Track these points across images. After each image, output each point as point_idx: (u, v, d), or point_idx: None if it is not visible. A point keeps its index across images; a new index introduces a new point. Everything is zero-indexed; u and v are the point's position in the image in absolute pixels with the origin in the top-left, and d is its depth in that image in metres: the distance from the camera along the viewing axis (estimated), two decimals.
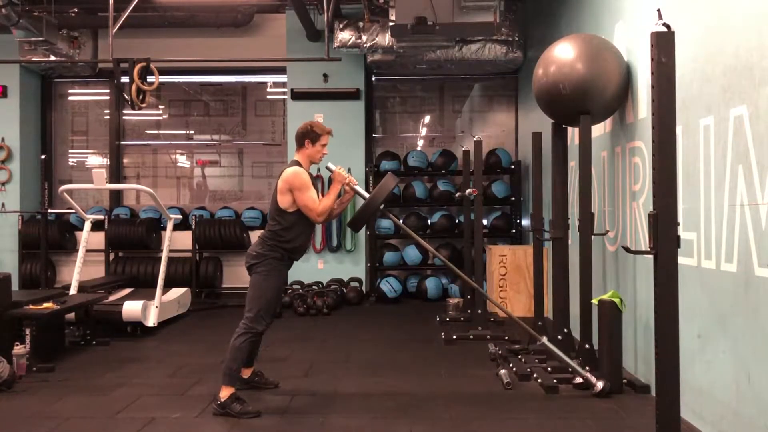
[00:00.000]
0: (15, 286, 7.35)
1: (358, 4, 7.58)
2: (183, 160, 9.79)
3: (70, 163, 9.82)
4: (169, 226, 6.83)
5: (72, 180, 9.56)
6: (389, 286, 8.22)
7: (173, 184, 9.72)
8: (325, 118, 8.70)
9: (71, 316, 5.74)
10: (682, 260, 3.11)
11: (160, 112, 9.81)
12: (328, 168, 4.18)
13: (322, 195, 4.09)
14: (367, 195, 4.09)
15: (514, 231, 8.68)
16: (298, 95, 8.75)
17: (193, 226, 8.51)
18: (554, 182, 4.93)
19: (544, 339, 4.37)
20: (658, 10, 2.81)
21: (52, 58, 8.35)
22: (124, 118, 9.67)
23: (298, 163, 4.05)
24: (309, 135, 4.06)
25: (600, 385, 4.07)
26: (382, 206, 4.05)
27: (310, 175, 4.09)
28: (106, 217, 8.49)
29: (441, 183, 8.67)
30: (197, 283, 8.43)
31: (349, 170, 8.59)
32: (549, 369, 4.53)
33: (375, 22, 7.68)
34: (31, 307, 5.02)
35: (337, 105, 8.72)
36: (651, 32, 2.74)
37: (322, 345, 5.84)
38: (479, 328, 5.97)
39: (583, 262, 4.45)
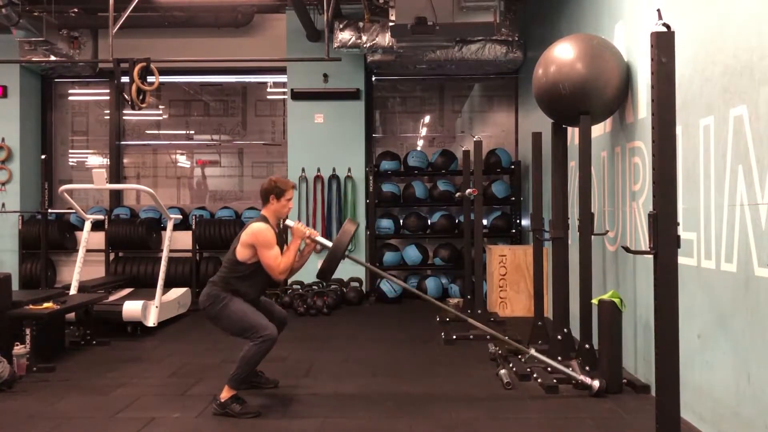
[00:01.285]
0: (15, 286, 7.34)
1: (358, 4, 7.58)
2: (183, 160, 9.79)
3: (70, 163, 9.82)
4: (169, 226, 6.83)
5: (72, 180, 9.56)
6: (389, 286, 8.22)
7: (173, 184, 9.72)
8: (325, 118, 8.73)
9: (71, 316, 5.74)
10: (682, 260, 3.11)
11: (160, 112, 9.81)
12: (286, 225, 4.22)
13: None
14: (329, 244, 4.13)
15: (514, 231, 8.68)
16: (298, 95, 8.75)
17: (193, 226, 8.51)
18: (554, 182, 4.93)
19: (532, 350, 4.37)
20: (658, 10, 2.81)
21: (52, 58, 8.34)
22: (124, 118, 9.68)
23: (265, 219, 4.09)
24: (273, 191, 4.11)
25: (596, 384, 4.07)
26: (347, 252, 4.09)
27: (279, 229, 4.13)
28: (106, 217, 8.49)
29: (441, 183, 8.68)
30: (197, 283, 8.42)
31: (349, 171, 8.60)
32: (549, 369, 4.52)
33: (375, 22, 7.68)
34: (31, 307, 5.02)
35: (337, 105, 8.73)
36: (651, 32, 2.75)
37: (322, 345, 5.84)
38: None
39: (583, 262, 4.46)
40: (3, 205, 8.91)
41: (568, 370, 4.22)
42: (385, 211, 8.89)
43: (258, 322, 3.90)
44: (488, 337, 5.76)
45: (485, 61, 8.05)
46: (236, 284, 4.01)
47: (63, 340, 5.60)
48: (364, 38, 7.77)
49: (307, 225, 8.66)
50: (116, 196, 9.46)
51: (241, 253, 4.02)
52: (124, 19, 6.96)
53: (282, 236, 4.22)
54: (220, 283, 4.04)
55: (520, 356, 4.95)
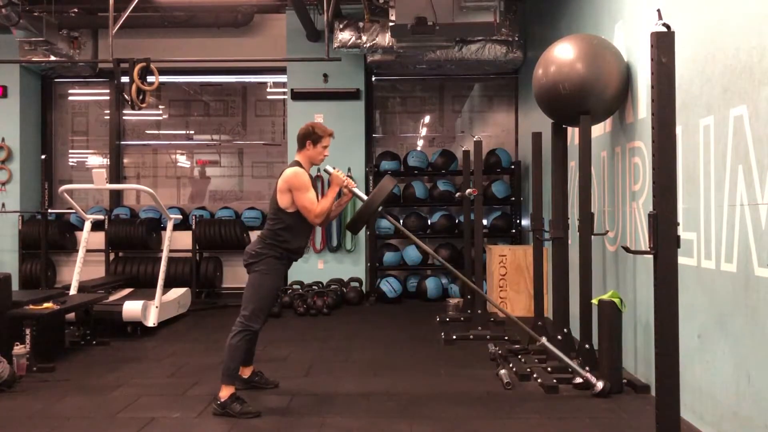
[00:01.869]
0: (15, 286, 7.35)
1: (358, 4, 7.58)
2: (183, 160, 9.79)
3: (70, 163, 9.82)
4: (169, 226, 6.83)
5: (72, 180, 9.55)
6: (389, 286, 8.22)
7: (173, 184, 9.72)
8: (325, 118, 8.71)
9: (71, 316, 5.74)
10: (682, 260, 3.11)
11: (160, 112, 9.81)
12: (326, 170, 4.20)
13: (323, 195, 4.09)
14: (365, 197, 4.11)
15: (514, 231, 8.68)
16: (298, 95, 8.75)
17: (193, 226, 8.51)
18: (554, 182, 4.93)
19: (544, 339, 4.38)
20: (658, 10, 2.81)
21: (52, 58, 8.34)
22: (124, 118, 9.68)
23: (298, 164, 4.05)
24: (311, 136, 4.06)
25: (600, 385, 4.07)
26: (380, 208, 4.06)
27: (311, 176, 4.10)
28: (106, 217, 8.49)
29: (441, 183, 8.68)
30: (197, 283, 8.44)
31: (348, 171, 8.61)
32: (549, 369, 4.53)
33: (375, 22, 7.68)
34: (31, 307, 5.02)
35: (337, 105, 8.73)
36: (651, 32, 2.74)
37: (322, 345, 5.84)
38: (479, 328, 5.97)
39: (583, 262, 4.46)
40: (3, 205, 8.91)
41: (575, 365, 4.22)
42: (385, 211, 8.86)
43: (260, 309, 3.94)
44: (488, 337, 5.79)
45: (485, 61, 8.04)
46: (284, 235, 3.98)
47: (63, 340, 5.60)
48: (364, 38, 7.77)
49: None
50: (116, 196, 9.46)
51: (282, 199, 3.97)
52: (124, 19, 6.96)
53: (315, 184, 4.17)
54: (269, 236, 4.00)
55: (520, 356, 4.96)
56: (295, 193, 3.94)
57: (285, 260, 4.06)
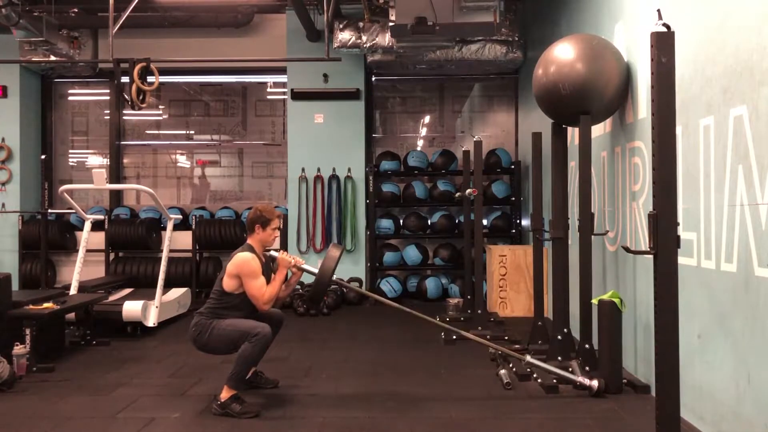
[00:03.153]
0: (15, 286, 7.35)
1: (358, 4, 7.58)
2: (183, 160, 9.79)
3: (70, 163, 9.82)
4: (169, 226, 6.83)
5: (72, 180, 9.56)
6: (389, 286, 8.22)
7: (173, 184, 9.72)
8: (325, 118, 8.73)
9: (71, 316, 5.74)
10: (682, 260, 3.11)
11: (160, 112, 9.81)
12: (270, 256, 4.20)
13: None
14: (315, 271, 4.11)
15: (514, 231, 8.68)
16: (298, 95, 8.75)
17: (193, 226, 8.51)
18: (554, 182, 4.93)
19: (528, 357, 4.36)
20: (658, 11, 2.81)
21: (52, 58, 8.35)
22: (124, 118, 9.68)
23: (251, 248, 4.08)
24: (259, 220, 4.09)
25: (595, 384, 4.07)
26: (333, 277, 4.07)
27: (264, 257, 4.12)
28: (106, 217, 8.49)
29: (441, 183, 8.67)
30: (197, 283, 8.43)
31: (348, 171, 8.61)
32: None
33: (375, 22, 7.68)
34: (31, 307, 5.02)
35: (337, 105, 8.73)
36: (651, 32, 2.74)
37: (322, 345, 5.84)
38: (479, 328, 5.96)
39: (583, 262, 4.46)
40: (3, 205, 8.91)
41: (566, 373, 4.22)
42: (385, 211, 8.89)
43: (247, 327, 3.90)
44: (488, 337, 5.78)
45: (485, 61, 8.05)
46: (224, 314, 4.01)
47: (63, 340, 5.60)
48: (364, 38, 7.77)
49: (307, 226, 8.70)
50: (116, 196, 9.46)
51: (228, 283, 4.01)
52: (124, 19, 6.96)
53: (269, 265, 4.19)
54: (208, 314, 4.04)
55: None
56: (244, 279, 3.96)
57: None
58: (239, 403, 3.83)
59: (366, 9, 7.43)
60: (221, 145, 9.70)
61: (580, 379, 4.14)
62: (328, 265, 4.01)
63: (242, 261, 3.99)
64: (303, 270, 4.19)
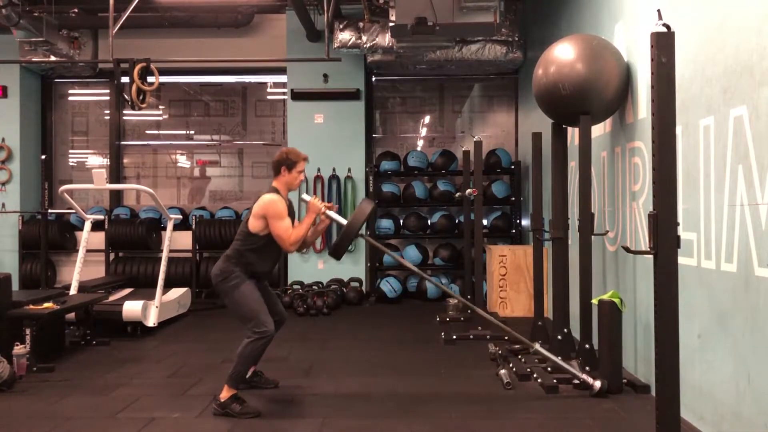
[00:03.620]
0: (15, 286, 7.34)
1: (358, 5, 7.58)
2: (183, 160, 9.79)
3: (70, 163, 9.82)
4: (169, 226, 6.83)
5: (72, 180, 9.56)
6: (389, 286, 8.22)
7: (173, 184, 9.72)
8: (325, 119, 8.72)
9: (71, 316, 5.74)
10: (682, 260, 3.11)
11: (160, 112, 9.81)
12: (302, 199, 4.20)
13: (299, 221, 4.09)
14: (344, 221, 4.08)
15: (514, 231, 8.68)
16: (298, 95, 8.75)
17: (193, 226, 8.51)
18: (554, 182, 4.93)
19: (537, 345, 4.36)
20: (658, 11, 2.81)
21: (53, 58, 8.35)
22: (124, 118, 9.68)
23: (276, 190, 4.07)
24: (285, 162, 4.08)
25: (597, 384, 4.07)
26: (360, 231, 4.05)
27: (290, 201, 4.12)
28: (107, 217, 8.49)
29: (441, 183, 8.67)
30: (197, 283, 8.43)
31: (348, 171, 8.61)
32: (549, 369, 4.52)
33: (375, 22, 7.68)
34: (31, 307, 5.02)
35: (337, 105, 8.73)
36: (651, 32, 2.75)
37: (322, 345, 5.84)
38: (479, 328, 5.96)
39: (583, 262, 4.46)
40: (3, 205, 8.91)
41: (571, 368, 4.22)
42: (385, 211, 8.89)
43: (260, 314, 3.90)
44: (488, 337, 5.79)
45: (485, 61, 8.05)
46: (249, 257, 3.99)
47: (63, 340, 5.60)
48: (364, 38, 7.77)
49: None
50: (116, 196, 9.46)
51: (253, 224, 3.98)
52: (124, 19, 6.97)
53: (292, 208, 4.18)
54: (234, 256, 4.01)
55: (520, 356, 4.96)
56: (270, 220, 3.95)
57: (249, 277, 4.03)
58: (239, 403, 3.83)
59: (366, 9, 7.43)
60: (221, 145, 9.70)
61: (584, 376, 4.14)
62: (357, 218, 3.99)
63: (268, 202, 3.96)
64: (331, 218, 4.14)
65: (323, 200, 8.25)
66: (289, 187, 4.13)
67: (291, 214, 4.12)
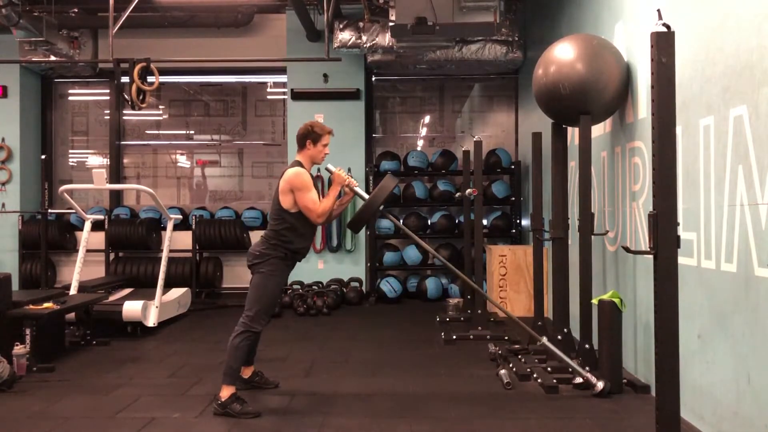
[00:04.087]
0: (15, 286, 7.34)
1: (358, 4, 7.58)
2: (183, 160, 9.79)
3: (70, 163, 9.82)
4: (169, 226, 6.83)
5: (72, 180, 9.56)
6: (389, 286, 8.22)
7: (173, 184, 9.72)
8: (325, 118, 8.70)
9: (71, 316, 5.74)
10: (682, 260, 3.11)
11: (160, 112, 9.81)
12: (327, 169, 4.20)
13: (323, 196, 4.09)
14: (366, 196, 4.09)
15: (514, 231, 8.68)
16: (298, 95, 8.75)
17: (193, 226, 8.51)
18: (554, 182, 4.93)
19: (544, 339, 4.37)
20: (658, 10, 2.81)
21: (52, 58, 8.35)
22: (124, 118, 9.68)
23: (299, 164, 4.04)
24: (310, 135, 4.05)
25: (600, 385, 4.07)
26: (381, 207, 4.06)
27: (312, 176, 4.09)
28: (106, 217, 8.48)
29: (441, 183, 8.68)
30: (197, 283, 8.43)
31: (349, 170, 8.61)
32: (549, 369, 4.53)
33: (375, 22, 7.68)
34: (31, 307, 5.02)
35: (337, 105, 8.73)
36: (651, 32, 2.74)
37: (322, 345, 5.84)
38: (479, 328, 5.97)
39: (583, 262, 4.45)
40: (3, 205, 8.91)
41: (575, 365, 4.22)
42: (385, 211, 8.87)
43: (263, 311, 3.94)
44: (488, 337, 5.79)
45: (485, 61, 8.05)
46: (287, 235, 3.97)
47: (63, 340, 5.60)
48: (364, 38, 7.77)
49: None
50: (116, 196, 9.46)
51: (284, 201, 3.96)
52: (124, 19, 6.96)
53: (316, 183, 4.16)
54: (273, 237, 3.99)
55: (520, 356, 4.96)
56: (297, 193, 3.93)
57: (290, 261, 4.06)
58: (239, 403, 3.83)
59: (366, 9, 7.43)
60: (221, 145, 9.70)
61: (589, 375, 4.14)
62: (379, 194, 3.98)
63: (293, 174, 3.95)
64: (355, 192, 4.13)
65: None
66: (313, 161, 4.10)
67: (315, 188, 4.10)
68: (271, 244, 3.99)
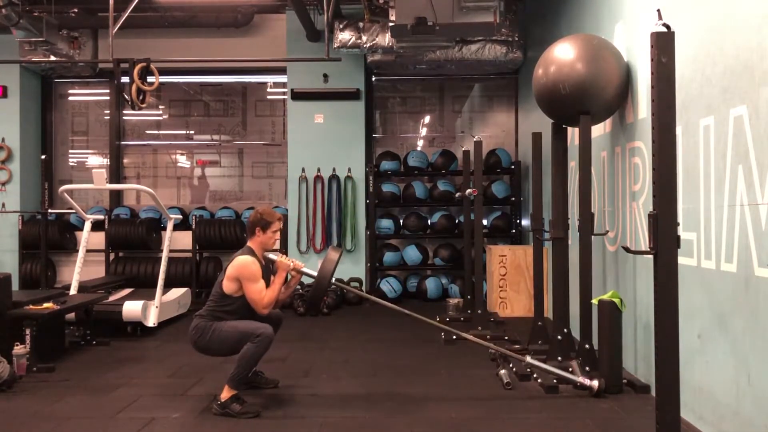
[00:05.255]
0: (15, 286, 7.35)
1: (358, 4, 7.58)
2: (183, 160, 9.79)
3: (71, 163, 9.82)
4: (169, 226, 6.83)
5: (72, 180, 9.56)
6: (389, 286, 8.22)
7: (173, 184, 9.72)
8: (325, 118, 8.73)
9: (71, 316, 5.74)
10: (682, 260, 3.11)
11: (160, 112, 9.81)
12: (269, 258, 4.18)
13: (322, 203, 4.09)
14: (314, 274, 4.09)
15: (514, 231, 8.68)
16: (298, 95, 8.75)
17: (193, 226, 8.51)
18: (554, 182, 4.93)
19: (528, 358, 4.35)
20: (658, 11, 2.81)
21: (52, 58, 8.35)
22: (124, 118, 9.68)
23: (251, 251, 4.06)
24: (259, 223, 4.07)
25: (595, 383, 4.07)
26: (333, 280, 4.08)
27: (264, 261, 4.11)
28: (107, 217, 8.49)
29: (441, 183, 8.68)
30: (197, 283, 8.43)
31: (348, 171, 8.62)
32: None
33: (375, 22, 7.68)
34: (31, 307, 5.02)
35: (337, 105, 8.73)
36: (651, 32, 2.74)
37: (322, 345, 5.84)
38: (479, 328, 5.97)
39: (583, 262, 4.45)
40: (3, 205, 8.90)
41: (566, 373, 4.22)
42: (385, 211, 8.89)
43: (249, 329, 3.89)
44: (488, 337, 5.78)
45: (485, 61, 8.05)
46: (224, 317, 4.00)
47: (63, 340, 5.60)
48: (364, 38, 7.77)
49: (307, 226, 8.70)
50: (116, 196, 9.46)
51: (228, 286, 4.00)
52: (124, 19, 6.96)
53: (269, 267, 4.18)
54: (207, 316, 4.04)
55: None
56: (244, 282, 3.95)
57: None
58: (239, 403, 3.83)
59: (366, 9, 7.43)
60: (221, 145, 9.70)
61: (581, 379, 4.14)
62: (327, 268, 4.01)
63: (242, 264, 3.98)
64: (302, 273, 4.19)
65: (323, 204, 8.27)
66: (264, 248, 4.12)
67: (267, 274, 4.11)
68: (204, 319, 4.03)
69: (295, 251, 8.62)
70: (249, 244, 4.13)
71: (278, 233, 4.15)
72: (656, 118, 2.74)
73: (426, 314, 7.06)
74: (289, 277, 4.20)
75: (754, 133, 2.94)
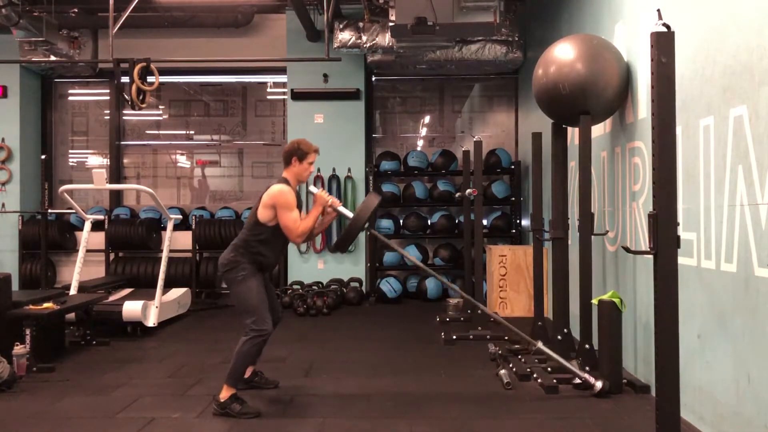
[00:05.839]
0: (15, 286, 7.34)
1: (358, 4, 7.58)
2: (183, 161, 9.79)
3: (70, 163, 9.82)
4: (169, 226, 6.83)
5: (72, 180, 9.56)
6: (389, 286, 8.22)
7: (173, 184, 9.72)
8: (325, 118, 8.72)
9: (71, 316, 5.74)
10: (682, 260, 3.11)
11: (160, 112, 9.81)
12: (310, 191, 4.22)
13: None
14: (350, 215, 4.09)
15: (514, 231, 8.68)
16: (298, 95, 8.75)
17: (193, 226, 8.51)
18: (554, 182, 4.93)
19: (539, 344, 4.36)
20: (658, 11, 2.82)
21: (52, 58, 8.35)
22: (124, 118, 9.68)
23: (285, 181, 4.07)
24: (296, 153, 4.07)
25: (599, 384, 4.07)
26: (366, 225, 4.06)
27: (298, 193, 4.11)
28: (107, 217, 8.49)
29: (441, 183, 8.68)
30: (197, 283, 8.43)
31: (348, 171, 8.61)
32: (549, 369, 4.52)
33: (375, 22, 7.68)
34: (31, 307, 5.02)
35: (337, 105, 8.73)
36: (651, 32, 2.75)
37: (322, 345, 5.84)
38: (479, 328, 5.97)
39: (583, 262, 4.45)
40: (3, 205, 8.91)
41: (574, 368, 4.22)
42: (385, 211, 8.89)
43: (262, 311, 3.91)
44: (488, 337, 5.78)
45: (485, 61, 8.05)
46: (257, 247, 4.00)
47: (63, 340, 5.60)
48: (364, 38, 7.77)
49: None
50: (116, 196, 9.46)
51: (263, 214, 3.99)
52: (124, 19, 6.97)
53: (300, 200, 4.18)
54: (242, 246, 4.03)
55: (520, 356, 4.96)
56: (279, 211, 3.95)
57: (257, 270, 4.05)
58: (239, 403, 3.83)
59: (366, 9, 7.43)
60: (221, 145, 9.70)
61: (587, 376, 4.14)
62: (364, 211, 4.00)
63: (278, 192, 3.97)
64: (338, 211, 4.15)
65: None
66: (298, 179, 4.12)
67: (299, 205, 4.12)
68: (239, 251, 4.02)
69: (295, 251, 8.62)
70: (284, 174, 4.11)
71: (313, 165, 4.14)
72: (656, 118, 2.74)
73: (426, 314, 7.09)
74: (325, 212, 4.18)
75: (754, 132, 2.94)
